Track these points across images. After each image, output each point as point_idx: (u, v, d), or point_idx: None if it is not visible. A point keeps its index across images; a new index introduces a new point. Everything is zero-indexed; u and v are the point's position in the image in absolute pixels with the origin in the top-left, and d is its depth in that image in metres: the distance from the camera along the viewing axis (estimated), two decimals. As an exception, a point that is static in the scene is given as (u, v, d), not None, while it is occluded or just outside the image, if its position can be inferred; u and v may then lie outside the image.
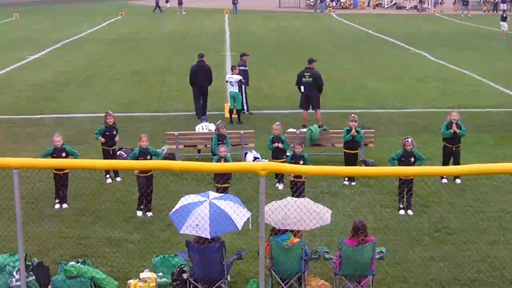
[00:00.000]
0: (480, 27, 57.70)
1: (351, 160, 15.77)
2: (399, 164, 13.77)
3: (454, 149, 15.94)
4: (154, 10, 75.23)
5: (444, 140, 16.08)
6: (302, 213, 10.04)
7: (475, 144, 19.14)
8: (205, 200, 9.79)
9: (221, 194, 10.53)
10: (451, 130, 15.75)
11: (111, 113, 16.21)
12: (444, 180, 15.79)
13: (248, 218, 9.82)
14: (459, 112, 16.60)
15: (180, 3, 73.90)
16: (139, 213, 13.87)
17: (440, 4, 77.10)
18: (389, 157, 14.29)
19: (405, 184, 13.75)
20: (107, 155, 15.92)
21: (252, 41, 45.66)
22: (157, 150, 14.87)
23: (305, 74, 20.77)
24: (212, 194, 10.09)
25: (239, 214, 9.68)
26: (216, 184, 13.73)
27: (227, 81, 22.92)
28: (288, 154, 15.38)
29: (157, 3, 75.82)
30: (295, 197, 12.16)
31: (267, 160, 16.29)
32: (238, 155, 17.35)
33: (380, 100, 25.69)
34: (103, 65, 35.17)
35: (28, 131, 21.03)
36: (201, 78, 22.86)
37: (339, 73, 31.39)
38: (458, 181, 15.78)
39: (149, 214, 13.85)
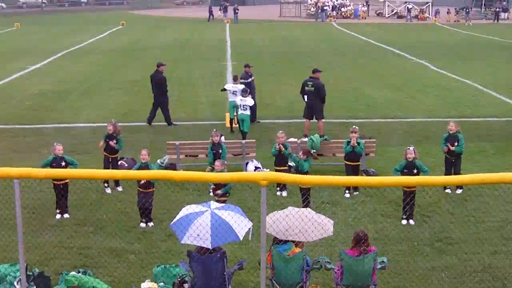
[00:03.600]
0: (481, 37, 57.78)
1: (351, 171, 15.67)
2: (402, 175, 13.74)
3: (453, 160, 15.78)
4: (209, 19, 77.09)
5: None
6: (303, 223, 10.02)
7: (476, 153, 19.14)
8: (207, 210, 9.76)
9: (223, 204, 10.50)
10: (445, 149, 15.72)
11: (112, 121, 16.32)
12: (447, 190, 15.75)
13: (249, 229, 9.80)
14: (460, 121, 16.54)
15: (225, 11, 78.16)
16: (142, 225, 13.84)
17: (447, 13, 77.53)
18: (392, 168, 14.25)
19: (407, 195, 13.69)
20: (106, 162, 16.03)
21: (253, 51, 45.73)
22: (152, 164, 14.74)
23: (308, 83, 20.77)
24: (214, 204, 10.07)
25: (240, 224, 9.65)
26: (215, 196, 13.75)
27: (223, 89, 22.98)
28: (290, 164, 15.42)
29: (210, 12, 77.95)
30: (303, 201, 12.22)
31: (268, 169, 16.31)
32: (239, 165, 17.35)
33: (381, 110, 25.71)
34: (103, 75, 35.22)
35: (29, 140, 21.03)
36: (153, 87, 23.42)
37: (340, 83, 31.42)
38: (459, 191, 15.72)
39: (150, 224, 13.83)
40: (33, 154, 19.07)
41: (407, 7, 79.88)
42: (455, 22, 75.09)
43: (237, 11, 75.06)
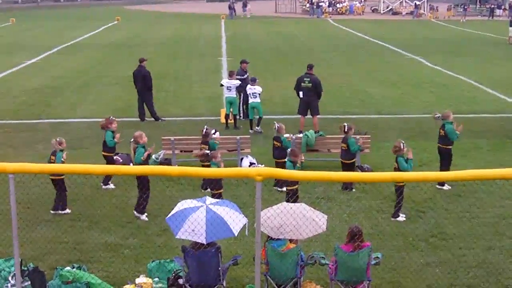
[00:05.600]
0: (476, 33, 57.83)
1: (345, 168, 15.71)
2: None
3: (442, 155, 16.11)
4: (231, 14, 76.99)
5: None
6: (298, 219, 10.02)
7: (471, 150, 19.18)
8: (202, 206, 9.77)
9: (218, 200, 10.52)
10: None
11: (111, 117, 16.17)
12: (438, 186, 15.79)
13: (244, 224, 9.81)
14: (456, 118, 16.51)
15: (245, 5, 78.65)
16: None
17: (448, 10, 77.76)
18: (387, 163, 14.22)
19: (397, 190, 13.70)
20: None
21: (248, 47, 45.70)
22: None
23: (305, 79, 20.74)
24: (209, 200, 10.08)
25: (235, 220, 9.67)
26: (211, 191, 13.77)
27: (221, 85, 22.90)
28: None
29: (230, 7, 77.30)
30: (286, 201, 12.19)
31: (263, 165, 16.31)
32: (234, 160, 17.35)
33: (376, 106, 25.73)
34: (99, 70, 35.17)
35: (24, 136, 20.98)
36: (138, 83, 23.38)
37: (335, 78, 31.41)
38: (438, 186, 15.81)
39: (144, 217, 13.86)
40: (29, 150, 19.06)
41: (415, 3, 79.93)
42: (444, 18, 75.32)
43: (232, 7, 75.08)
